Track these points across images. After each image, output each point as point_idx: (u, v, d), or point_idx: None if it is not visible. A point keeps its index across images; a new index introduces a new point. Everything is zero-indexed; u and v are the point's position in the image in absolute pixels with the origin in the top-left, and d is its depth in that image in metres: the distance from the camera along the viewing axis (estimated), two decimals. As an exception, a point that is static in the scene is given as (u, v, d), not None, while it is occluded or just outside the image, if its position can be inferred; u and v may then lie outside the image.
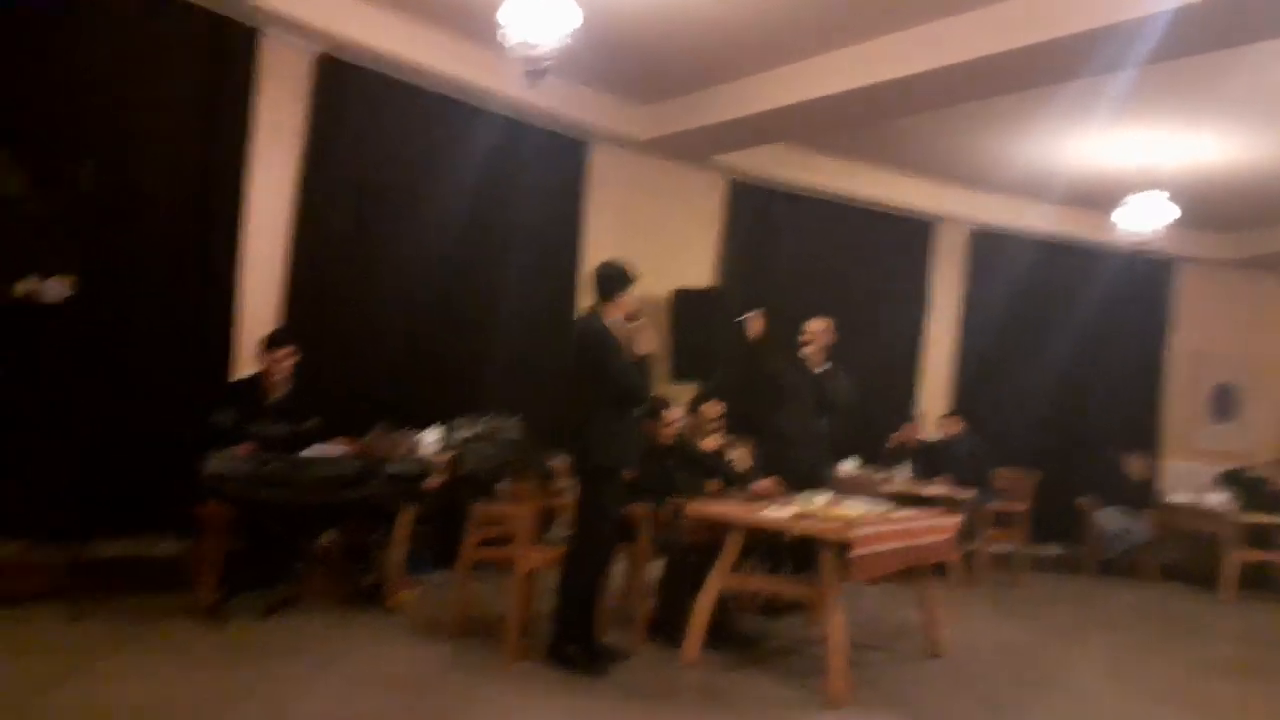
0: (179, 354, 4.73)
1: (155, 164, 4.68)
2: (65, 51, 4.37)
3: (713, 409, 5.61)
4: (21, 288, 3.80)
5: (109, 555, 4.38)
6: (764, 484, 4.93)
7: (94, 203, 3.95)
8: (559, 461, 4.99)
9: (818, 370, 5.44)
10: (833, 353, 5.48)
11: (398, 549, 4.70)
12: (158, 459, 4.44)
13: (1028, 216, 8.08)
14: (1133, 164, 6.51)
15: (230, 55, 4.97)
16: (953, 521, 4.85)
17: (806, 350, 5.42)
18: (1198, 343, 8.78)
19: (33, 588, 3.88)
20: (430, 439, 5.15)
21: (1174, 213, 6.39)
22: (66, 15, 4.36)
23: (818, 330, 5.47)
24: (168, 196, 4.73)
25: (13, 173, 3.87)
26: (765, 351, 5.39)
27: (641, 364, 4.04)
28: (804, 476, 5.09)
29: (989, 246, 8.26)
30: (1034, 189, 7.65)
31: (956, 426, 7.20)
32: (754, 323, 5.26)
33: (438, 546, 5.08)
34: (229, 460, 4.07)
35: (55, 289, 3.83)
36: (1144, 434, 8.51)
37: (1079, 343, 8.30)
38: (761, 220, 7.37)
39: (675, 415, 5.16)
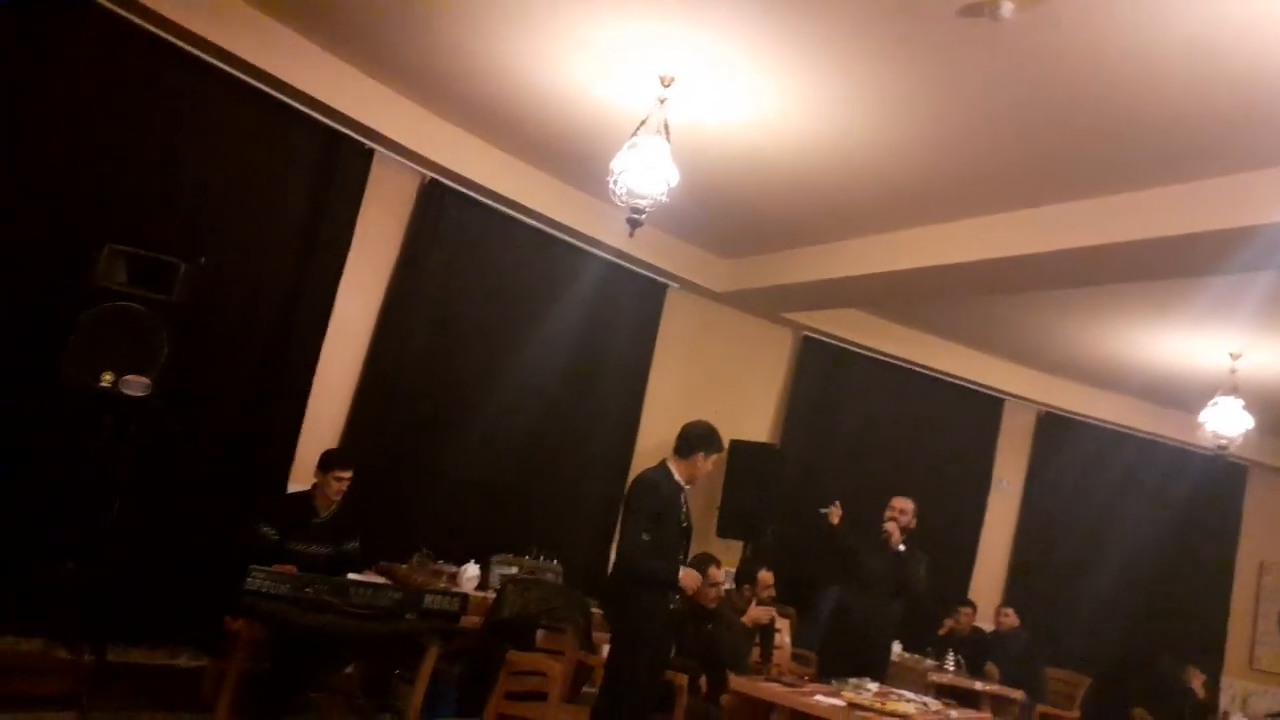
0: (239, 462, 4.69)
1: (252, 271, 4.76)
2: (183, 154, 4.52)
3: (768, 577, 5.42)
4: (107, 377, 3.81)
5: (130, 661, 4.23)
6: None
7: (186, 305, 3.99)
8: (598, 612, 4.78)
9: (898, 549, 5.13)
10: (910, 535, 5.19)
11: (420, 687, 4.47)
12: (194, 566, 4.34)
13: (1099, 406, 7.91)
14: (1212, 365, 6.37)
15: (343, 170, 5.03)
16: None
17: (889, 526, 5.12)
18: (1266, 553, 8.34)
19: (49, 689, 3.72)
20: (469, 574, 4.99)
21: (1250, 421, 6.19)
22: (186, 118, 4.53)
23: (907, 508, 5.20)
24: (257, 305, 4.80)
25: (116, 267, 3.95)
26: (840, 529, 5.18)
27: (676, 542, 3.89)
28: (863, 660, 4.83)
29: (1057, 431, 8.05)
30: (1107, 379, 7.51)
31: (1011, 619, 6.86)
32: (835, 513, 5.11)
33: (462, 690, 4.84)
34: (269, 579, 3.94)
35: (135, 385, 3.84)
36: (1206, 646, 7.99)
37: (1144, 542, 7.91)
38: (828, 378, 7.27)
39: (720, 575, 4.95)
